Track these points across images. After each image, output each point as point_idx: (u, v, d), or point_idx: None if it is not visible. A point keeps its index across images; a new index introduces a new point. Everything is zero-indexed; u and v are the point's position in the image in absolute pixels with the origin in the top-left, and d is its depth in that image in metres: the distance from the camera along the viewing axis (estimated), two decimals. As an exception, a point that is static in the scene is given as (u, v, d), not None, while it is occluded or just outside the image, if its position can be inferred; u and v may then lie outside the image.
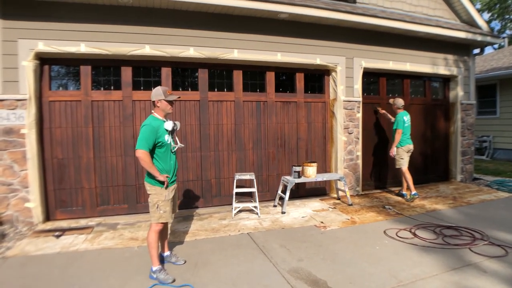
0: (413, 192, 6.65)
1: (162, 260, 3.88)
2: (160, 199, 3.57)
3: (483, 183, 8.33)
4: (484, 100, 12.61)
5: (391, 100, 7.04)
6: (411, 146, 6.77)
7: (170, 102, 3.68)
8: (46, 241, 4.56)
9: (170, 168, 3.69)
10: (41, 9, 5.09)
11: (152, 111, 3.70)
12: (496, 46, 23.18)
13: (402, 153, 6.70)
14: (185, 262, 3.92)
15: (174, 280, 3.51)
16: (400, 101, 6.82)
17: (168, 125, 3.61)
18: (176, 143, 3.84)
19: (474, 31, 7.95)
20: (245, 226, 5.17)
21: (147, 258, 3.94)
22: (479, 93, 12.43)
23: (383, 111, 7.42)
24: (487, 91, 12.38)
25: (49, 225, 5.24)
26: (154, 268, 3.55)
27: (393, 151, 6.71)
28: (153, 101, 3.63)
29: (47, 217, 5.42)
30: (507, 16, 28.65)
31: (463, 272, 3.66)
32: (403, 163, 6.73)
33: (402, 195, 6.92)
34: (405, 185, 6.91)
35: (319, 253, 4.20)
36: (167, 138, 3.62)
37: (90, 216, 5.60)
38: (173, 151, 3.76)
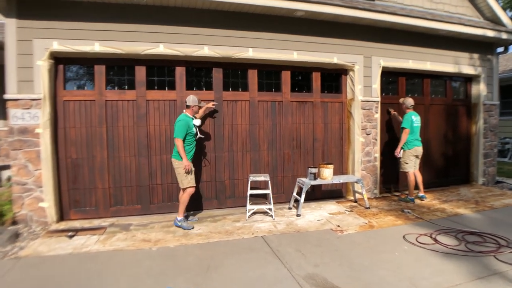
0: (412, 197, 6.51)
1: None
2: (186, 170, 4.97)
3: (507, 186, 8.02)
4: (506, 101, 12.17)
5: (401, 100, 6.84)
6: (419, 149, 6.53)
7: (200, 108, 5.42)
8: (58, 242, 4.54)
9: (194, 150, 5.25)
10: (55, 8, 5.09)
11: (184, 110, 5.23)
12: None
13: (407, 156, 6.48)
14: (197, 219, 5.56)
15: (193, 227, 5.07)
16: (409, 101, 6.61)
17: (197, 121, 5.28)
18: (198, 134, 5.35)
19: (499, 28, 7.63)
20: (259, 229, 5.05)
21: (159, 260, 3.97)
22: (501, 93, 11.98)
23: (394, 112, 7.21)
24: (510, 91, 11.94)
25: (63, 225, 5.23)
26: (179, 218, 5.10)
27: (398, 151, 6.50)
28: (188, 105, 5.17)
29: (61, 217, 5.42)
30: (530, 14, 27.75)
31: (488, 282, 3.46)
32: (407, 168, 6.51)
33: (420, 198, 6.68)
34: (421, 187, 6.69)
35: (335, 258, 4.05)
36: (195, 130, 5.20)
37: (104, 217, 5.58)
38: (196, 138, 5.31)
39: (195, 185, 5.17)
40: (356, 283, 3.46)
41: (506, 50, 8.35)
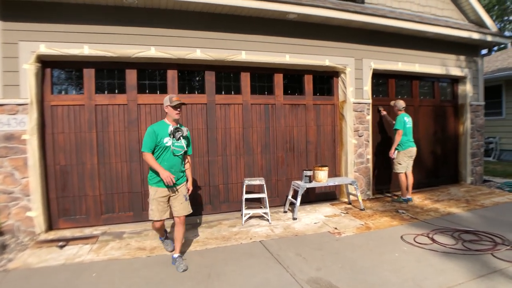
0: (405, 197, 6.54)
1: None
2: (151, 198, 3.90)
3: (494, 185, 8.17)
4: (489, 101, 12.45)
5: (392, 102, 6.89)
6: (413, 150, 6.57)
7: (175, 108, 3.92)
8: (49, 252, 4.35)
9: (168, 169, 3.82)
10: (42, 10, 4.90)
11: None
12: (495, 48, 23.18)
13: (401, 157, 6.52)
14: (183, 270, 3.79)
15: (172, 250, 4.18)
16: (401, 103, 6.67)
17: (169, 128, 3.90)
18: (180, 148, 3.99)
19: (484, 31, 7.82)
20: (257, 234, 4.97)
21: (157, 269, 3.88)
22: (484, 94, 12.29)
23: (384, 113, 7.27)
24: (493, 92, 12.23)
25: (52, 234, 5.02)
26: (161, 238, 4.42)
27: (393, 152, 6.55)
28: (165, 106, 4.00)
29: (50, 226, 5.21)
30: (506, 18, 28.72)
31: (490, 280, 3.48)
32: (400, 169, 6.54)
33: (408, 199, 6.69)
34: (410, 189, 6.69)
35: (337, 261, 4.00)
36: (167, 140, 3.86)
37: (95, 225, 5.39)
38: (176, 154, 3.93)
39: (158, 219, 3.91)
40: (361, 285, 3.42)
41: (490, 52, 8.56)
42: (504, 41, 8.18)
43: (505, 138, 12.22)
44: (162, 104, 5.51)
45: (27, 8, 4.86)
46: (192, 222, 5.53)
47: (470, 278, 3.53)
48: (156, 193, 3.86)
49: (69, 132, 5.30)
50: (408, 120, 6.56)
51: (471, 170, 8.36)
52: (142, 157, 3.86)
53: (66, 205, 5.31)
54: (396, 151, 6.53)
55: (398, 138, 6.46)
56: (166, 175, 3.68)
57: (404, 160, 6.52)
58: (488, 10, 27.69)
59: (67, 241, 4.72)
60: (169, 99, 3.90)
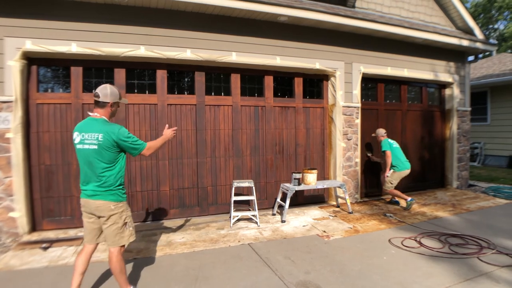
0: (408, 199, 6.50)
1: None
2: (128, 214, 3.15)
3: (479, 189, 8.30)
4: (475, 107, 12.69)
5: (373, 134, 6.99)
6: (408, 172, 6.62)
7: (119, 106, 3.26)
8: (32, 254, 4.23)
9: None
10: (29, 5, 4.80)
11: (96, 114, 3.07)
12: (481, 55, 23.65)
13: (396, 177, 6.58)
14: None
15: None
16: (380, 131, 6.81)
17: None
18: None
19: (472, 38, 7.97)
20: (245, 236, 4.93)
21: (144, 272, 3.75)
22: (470, 100, 12.52)
23: (372, 156, 7.36)
24: (478, 98, 12.46)
25: (35, 236, 4.89)
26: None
27: (387, 173, 6.59)
28: (103, 102, 3.02)
29: (33, 227, 5.08)
30: (491, 26, 29.39)
31: (476, 283, 3.52)
32: (391, 187, 6.62)
33: (395, 203, 6.81)
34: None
35: (325, 264, 3.99)
36: None
37: (80, 226, 5.25)
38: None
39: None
40: (350, 289, 3.42)
41: (476, 59, 8.71)
42: (490, 48, 8.35)
43: (489, 144, 12.44)
44: (152, 104, 5.53)
45: (13, 3, 4.73)
46: (179, 224, 5.46)
47: (457, 281, 3.57)
48: (128, 208, 3.22)
49: (55, 131, 5.18)
50: (392, 141, 6.68)
51: (457, 175, 8.48)
52: (146, 154, 3.23)
53: (50, 206, 5.19)
54: (392, 171, 6.58)
55: (388, 160, 6.53)
56: (169, 131, 3.37)
57: (396, 179, 6.59)
58: (474, 18, 28.27)
59: (51, 242, 4.61)
60: (118, 94, 3.11)
